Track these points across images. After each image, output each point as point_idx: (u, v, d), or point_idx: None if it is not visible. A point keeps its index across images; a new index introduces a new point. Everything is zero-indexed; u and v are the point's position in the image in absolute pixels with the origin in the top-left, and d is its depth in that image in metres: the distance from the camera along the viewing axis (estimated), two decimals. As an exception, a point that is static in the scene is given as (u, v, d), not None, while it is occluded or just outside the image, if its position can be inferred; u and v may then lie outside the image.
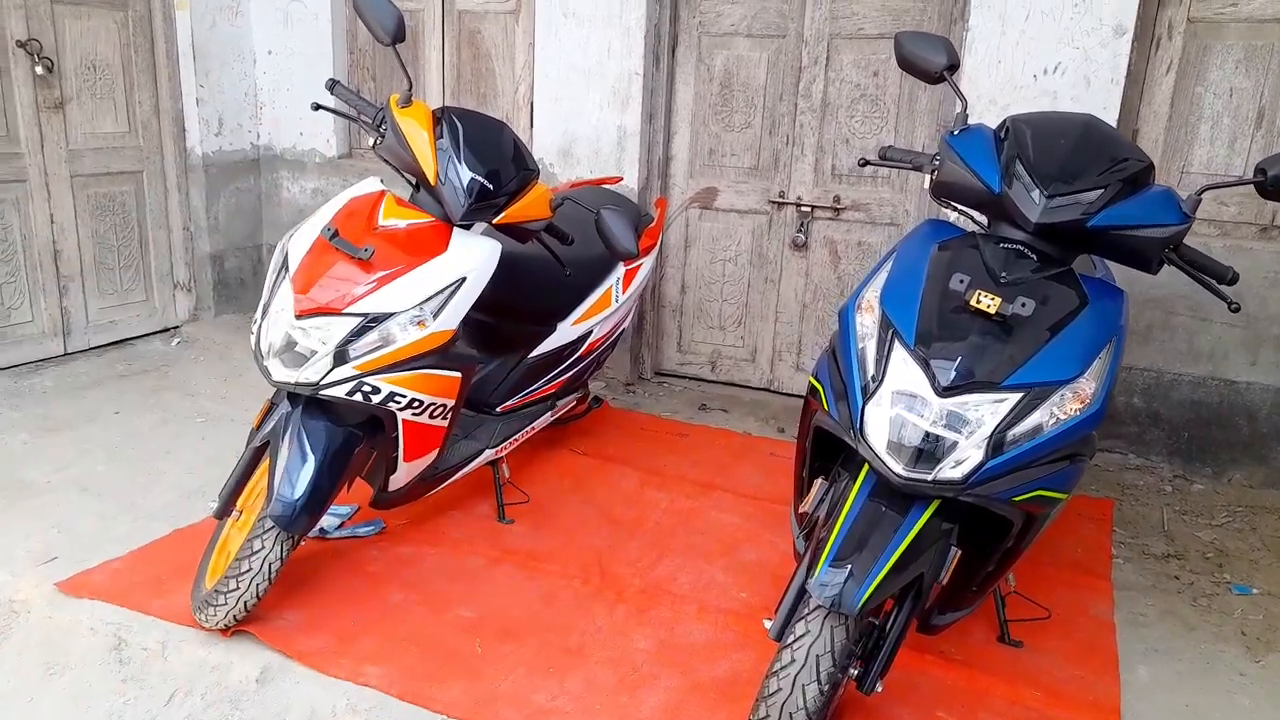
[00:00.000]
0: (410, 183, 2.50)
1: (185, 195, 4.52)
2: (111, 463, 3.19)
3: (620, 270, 3.16)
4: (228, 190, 4.65)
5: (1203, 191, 1.89)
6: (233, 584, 2.16)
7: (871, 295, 1.92)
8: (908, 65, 2.14)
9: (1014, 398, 1.71)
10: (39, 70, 3.82)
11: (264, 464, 2.29)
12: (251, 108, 4.70)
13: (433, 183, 2.34)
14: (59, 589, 2.44)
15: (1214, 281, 1.93)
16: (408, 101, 2.40)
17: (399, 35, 2.32)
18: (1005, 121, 2.02)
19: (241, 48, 4.58)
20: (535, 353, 2.95)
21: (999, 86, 3.35)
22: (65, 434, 3.39)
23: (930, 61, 2.08)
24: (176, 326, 4.59)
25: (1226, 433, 3.36)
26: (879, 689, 1.83)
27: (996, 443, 1.70)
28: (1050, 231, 1.85)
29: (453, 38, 4.38)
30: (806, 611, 1.73)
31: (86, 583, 2.46)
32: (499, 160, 2.41)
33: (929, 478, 1.70)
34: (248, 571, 2.15)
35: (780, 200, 3.95)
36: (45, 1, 3.81)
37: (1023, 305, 1.76)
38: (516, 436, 2.98)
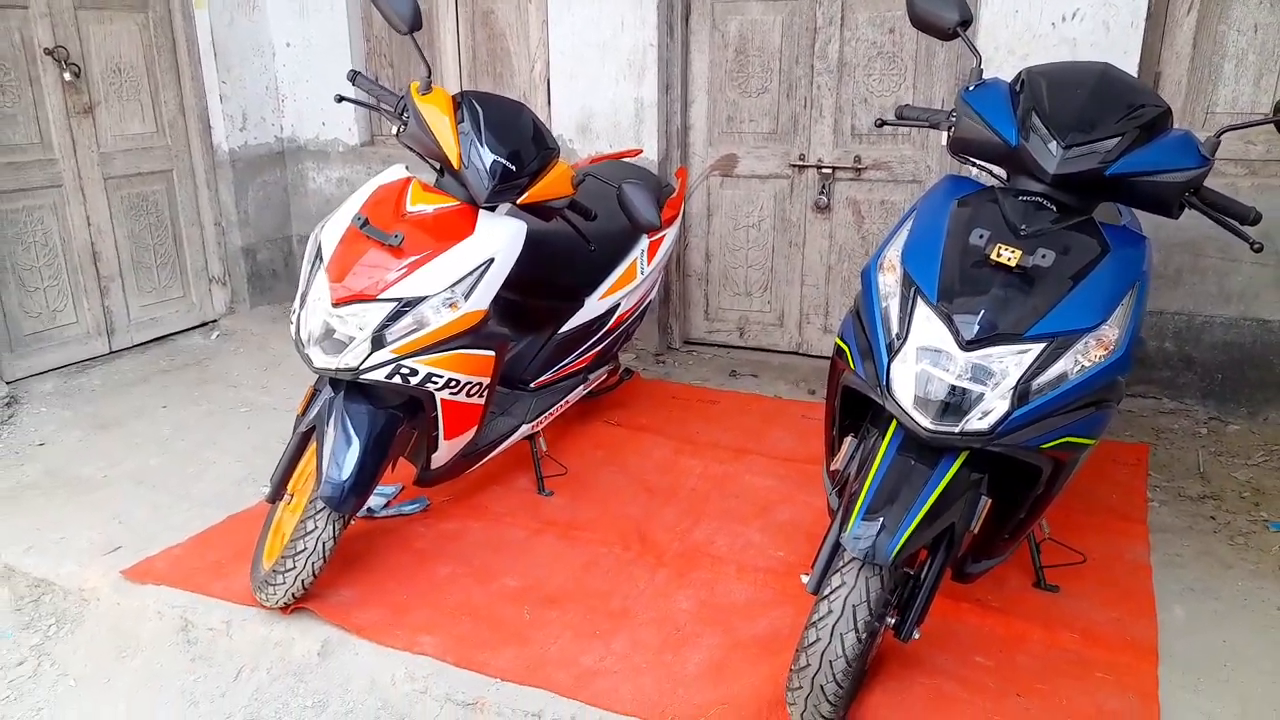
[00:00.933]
0: (434, 168, 2.56)
1: (215, 191, 4.61)
2: (163, 455, 3.31)
3: (644, 242, 3.20)
4: (255, 184, 4.74)
5: (1221, 133, 1.89)
6: (289, 564, 2.25)
7: (893, 254, 1.95)
8: (921, 23, 2.14)
9: (1037, 348, 1.74)
10: (67, 76, 3.91)
11: (311, 448, 2.37)
12: (274, 101, 4.77)
13: (456, 167, 2.39)
14: (124, 576, 2.56)
15: (1236, 223, 1.93)
16: (428, 88, 2.44)
17: (416, 24, 2.36)
18: (1020, 74, 2.02)
19: (260, 42, 4.64)
20: (565, 328, 3.01)
21: (1017, 36, 3.32)
22: (116, 430, 3.52)
23: (943, 18, 2.08)
24: (214, 320, 4.71)
25: (1261, 372, 3.35)
26: (916, 636, 1.88)
27: (1022, 393, 1.73)
28: (1068, 182, 1.87)
29: (466, 20, 4.41)
30: (842, 564, 1.78)
31: (150, 569, 2.57)
32: (520, 141, 2.45)
33: (956, 430, 1.74)
34: (303, 551, 2.24)
35: (801, 163, 3.96)
36: (70, 9, 3.90)
37: (1043, 256, 1.78)
38: (551, 411, 3.04)
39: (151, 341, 4.43)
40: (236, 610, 2.40)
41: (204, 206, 4.60)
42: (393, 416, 2.37)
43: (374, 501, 2.79)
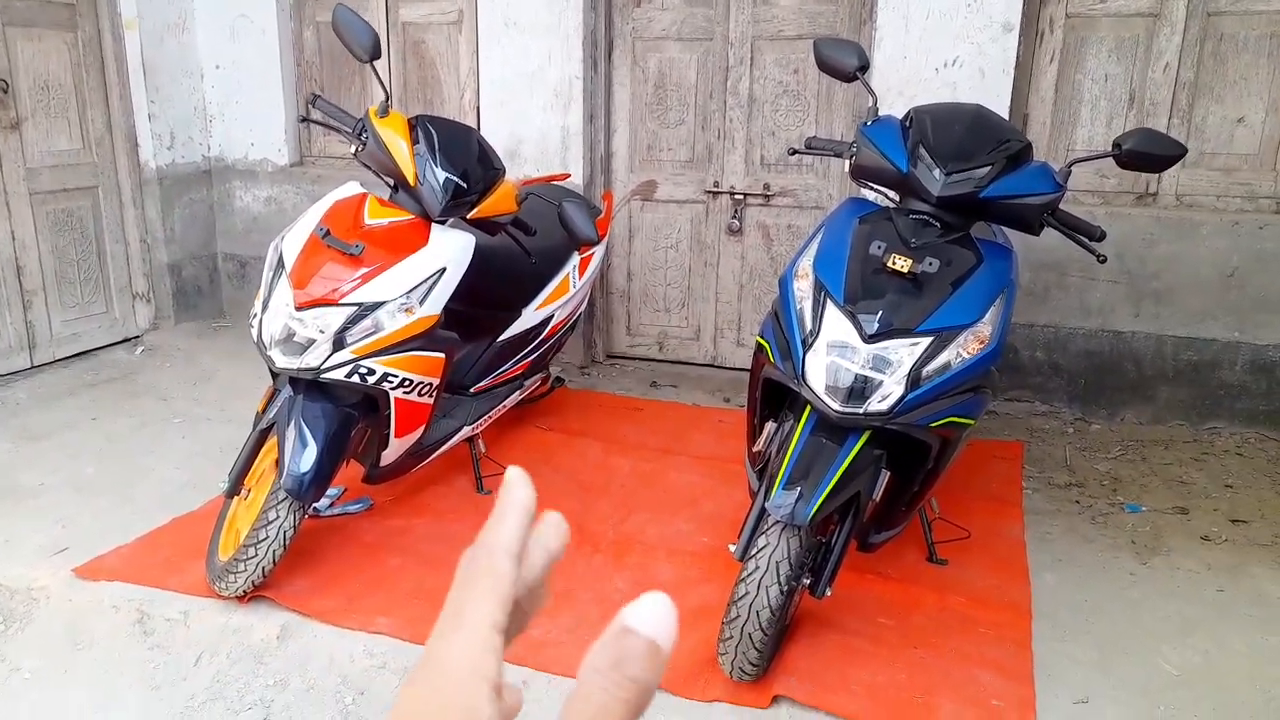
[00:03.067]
0: (389, 185, 2.75)
1: (141, 208, 4.65)
2: (100, 463, 3.36)
3: (576, 258, 3.45)
4: (182, 202, 4.79)
5: (1071, 164, 2.28)
6: (250, 552, 2.39)
7: (806, 263, 2.26)
8: (825, 67, 2.48)
9: (926, 340, 2.06)
10: (-6, 92, 3.93)
11: (269, 445, 2.52)
12: (202, 121, 4.85)
13: (412, 184, 2.60)
14: (76, 574, 2.63)
15: (1085, 239, 2.31)
16: (385, 112, 2.65)
17: (375, 53, 2.57)
18: (909, 112, 2.38)
19: (189, 63, 4.73)
20: (504, 336, 3.23)
21: (905, 79, 3.73)
22: (47, 441, 3.54)
23: (844, 64, 2.42)
24: (138, 336, 4.72)
25: (1117, 378, 3.81)
26: (828, 593, 2.17)
27: (914, 379, 2.05)
28: (949, 203, 2.21)
29: (398, 49, 4.60)
30: (766, 527, 2.05)
31: (102, 566, 2.66)
32: (469, 161, 2.68)
33: (860, 411, 2.05)
34: (264, 540, 2.38)
35: (715, 190, 4.29)
36: (-1, 25, 3.93)
37: (930, 264, 2.11)
38: (490, 414, 3.24)
39: (74, 356, 4.43)
40: (193, 601, 2.51)
41: (129, 223, 4.64)
42: (349, 414, 2.54)
43: (320, 502, 2.93)
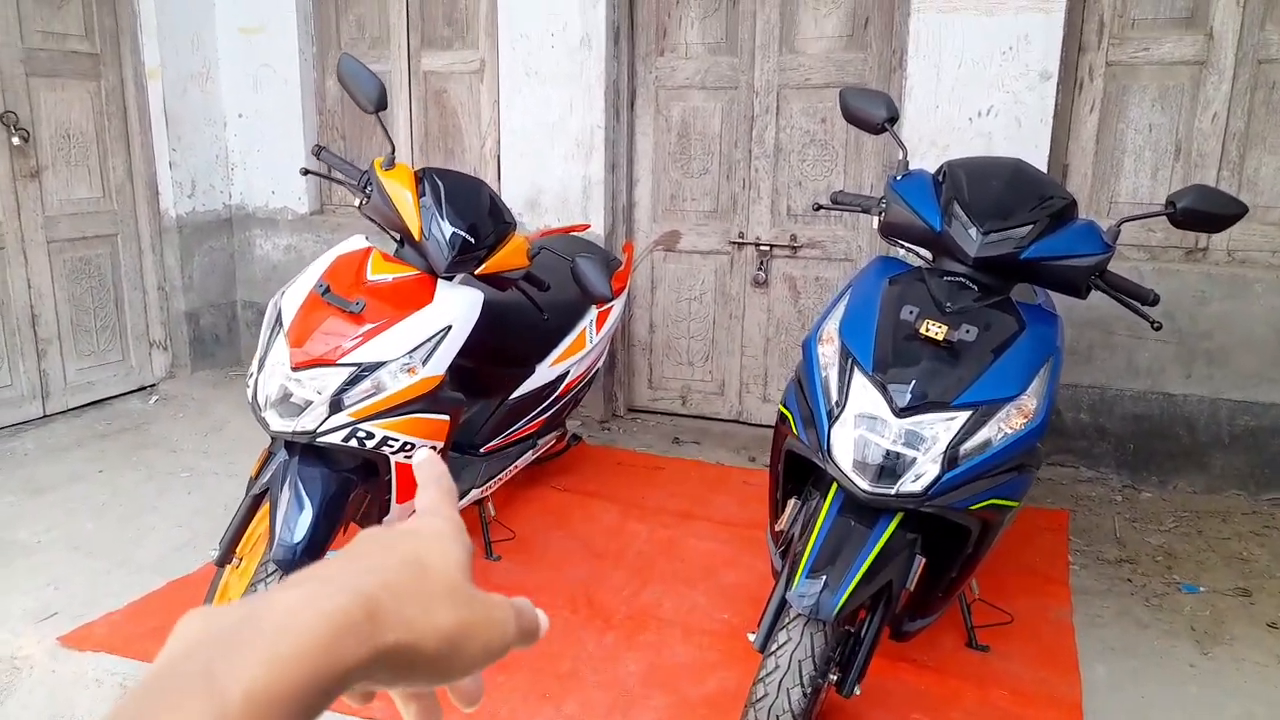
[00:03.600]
0: (394, 239, 2.65)
1: (160, 256, 4.61)
2: (100, 520, 3.25)
3: (593, 312, 3.32)
4: (201, 249, 4.75)
5: (1121, 223, 2.11)
6: (237, 628, 2.24)
7: (831, 327, 2.10)
8: (852, 118, 2.34)
9: (964, 415, 1.89)
10: (15, 141, 3.92)
11: (262, 511, 2.39)
12: (223, 169, 4.82)
13: (417, 238, 2.49)
14: (61, 643, 2.50)
15: (1137, 303, 2.13)
16: (391, 164, 2.55)
17: (381, 104, 2.48)
18: (942, 166, 2.23)
19: (212, 112, 4.71)
20: (516, 394, 3.09)
21: (938, 129, 3.59)
22: (51, 495, 3.44)
23: (872, 115, 2.28)
24: (153, 385, 4.65)
25: (1168, 443, 3.58)
26: (857, 692, 1.97)
27: (951, 457, 1.87)
28: (987, 264, 2.05)
29: (419, 97, 4.55)
30: (787, 620, 1.87)
31: (88, 636, 2.53)
32: (478, 215, 2.56)
33: (892, 491, 1.87)
34: (252, 615, 2.23)
35: (740, 240, 4.16)
36: (21, 75, 3.93)
37: (967, 331, 1.94)
38: (500, 475, 3.10)
39: (88, 405, 4.36)
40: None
41: (148, 270, 4.59)
42: (346, 480, 2.40)
43: (321, 566, 2.79)
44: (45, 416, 4.17)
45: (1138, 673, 2.48)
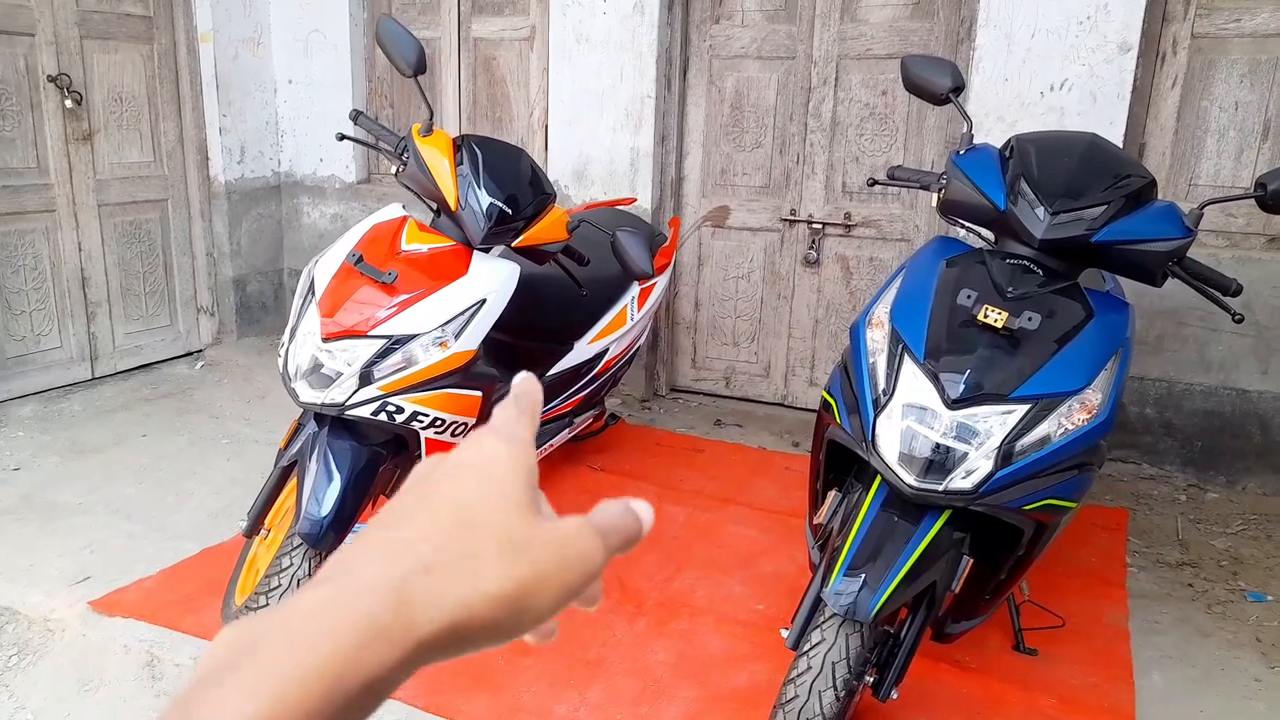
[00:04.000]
0: (431, 208, 2.58)
1: (209, 222, 4.63)
2: (140, 484, 3.27)
3: (635, 289, 3.23)
4: (250, 216, 4.76)
5: (1204, 206, 1.94)
6: (263, 600, 2.21)
7: (881, 311, 1.97)
8: (914, 88, 2.20)
9: (1022, 409, 1.76)
10: (68, 104, 3.94)
11: (291, 483, 2.35)
12: (273, 136, 4.81)
13: (453, 208, 2.42)
14: (92, 608, 2.51)
15: (1218, 293, 1.97)
16: (429, 130, 2.47)
17: (420, 67, 2.40)
18: (1010, 140, 2.07)
19: (263, 78, 4.69)
20: (553, 371, 3.01)
21: (1006, 103, 3.40)
22: (94, 457, 3.48)
23: (936, 84, 2.14)
24: (200, 350, 4.69)
25: (1239, 441, 3.38)
26: (894, 696, 1.87)
27: (1005, 453, 1.74)
28: (1055, 247, 1.90)
29: (469, 65, 4.48)
30: (822, 620, 1.77)
31: (119, 601, 2.53)
32: (517, 185, 2.48)
33: (940, 488, 1.75)
34: (277, 588, 2.21)
35: (792, 218, 4.01)
36: (75, 37, 3.94)
37: (1029, 319, 1.80)
38: (536, 453, 3.03)
39: (135, 369, 4.41)
40: (205, 646, 2.34)
41: (197, 236, 4.61)
42: (376, 454, 2.35)
43: (351, 540, 2.76)
44: (94, 379, 4.22)
45: (1197, 684, 2.33)
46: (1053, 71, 3.32)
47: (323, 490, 2.24)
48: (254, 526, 2.38)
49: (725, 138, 4.09)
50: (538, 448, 2.98)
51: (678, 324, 4.32)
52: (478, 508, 0.39)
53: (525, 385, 0.48)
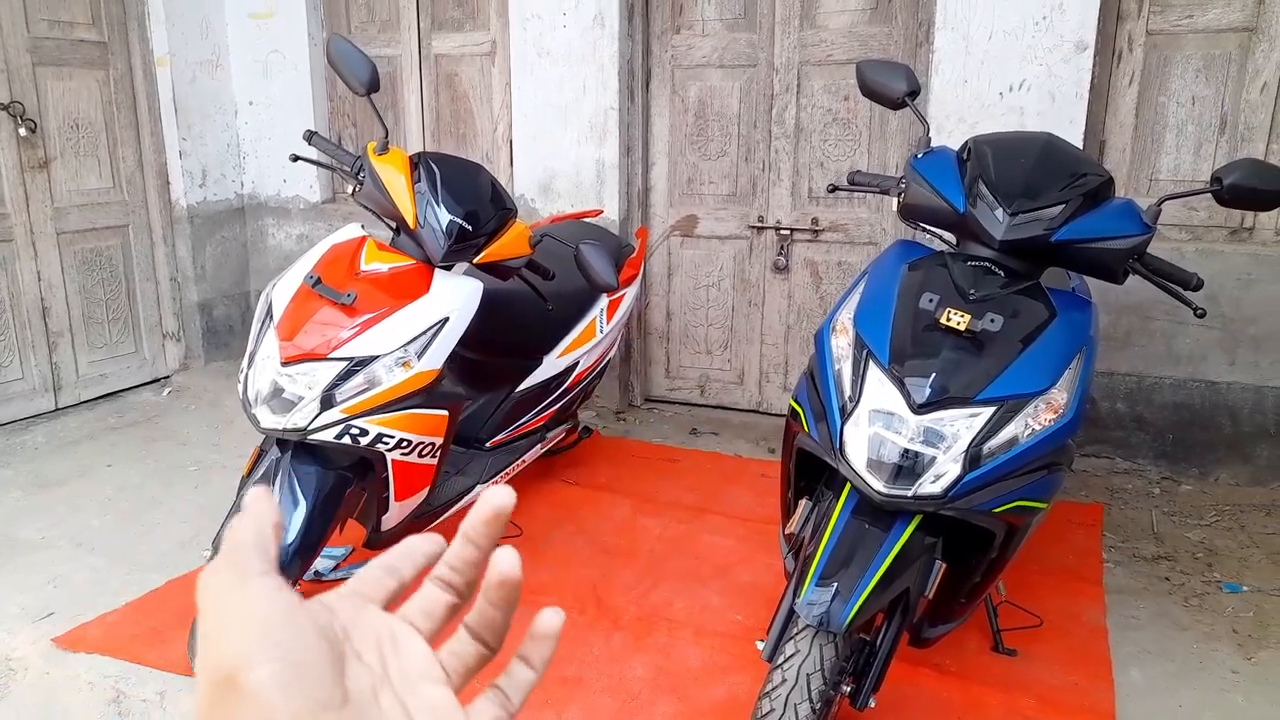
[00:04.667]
0: (390, 227, 2.55)
1: (171, 246, 4.56)
2: (105, 516, 3.20)
3: (604, 301, 3.21)
4: (213, 239, 4.69)
5: (1162, 202, 1.95)
6: (229, 632, 2.16)
7: (845, 317, 1.96)
8: (870, 93, 2.20)
9: (988, 411, 1.75)
10: (22, 132, 3.87)
11: (256, 511, 2.30)
12: (234, 158, 4.76)
13: (412, 226, 2.39)
14: (55, 644, 2.44)
15: (1179, 288, 1.97)
16: (385, 149, 2.45)
17: (374, 86, 2.37)
18: (967, 143, 2.08)
19: (222, 100, 4.64)
20: (522, 386, 2.99)
21: (967, 105, 3.42)
22: (57, 490, 3.40)
23: (891, 89, 2.14)
24: (167, 376, 4.62)
25: (1210, 433, 3.40)
26: (872, 705, 1.85)
27: (973, 456, 1.74)
28: (1015, 248, 1.90)
29: (430, 81, 4.45)
30: (795, 631, 1.75)
31: (83, 637, 2.47)
32: (476, 201, 2.45)
33: (909, 493, 1.74)
34: (244, 618, 2.16)
35: (759, 225, 4.01)
36: (28, 65, 3.88)
37: (991, 321, 1.80)
38: (508, 470, 3.00)
39: (100, 398, 4.33)
40: (172, 680, 2.30)
41: (160, 261, 4.55)
42: (341, 477, 2.32)
43: (321, 564, 2.72)
44: (57, 409, 4.14)
45: (1176, 678, 2.33)
46: (1011, 72, 3.34)
47: (288, 516, 2.20)
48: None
49: (691, 147, 4.08)
50: (511, 464, 2.96)
51: (650, 334, 4.30)
52: None
53: (254, 507, 0.40)
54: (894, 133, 3.73)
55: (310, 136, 2.59)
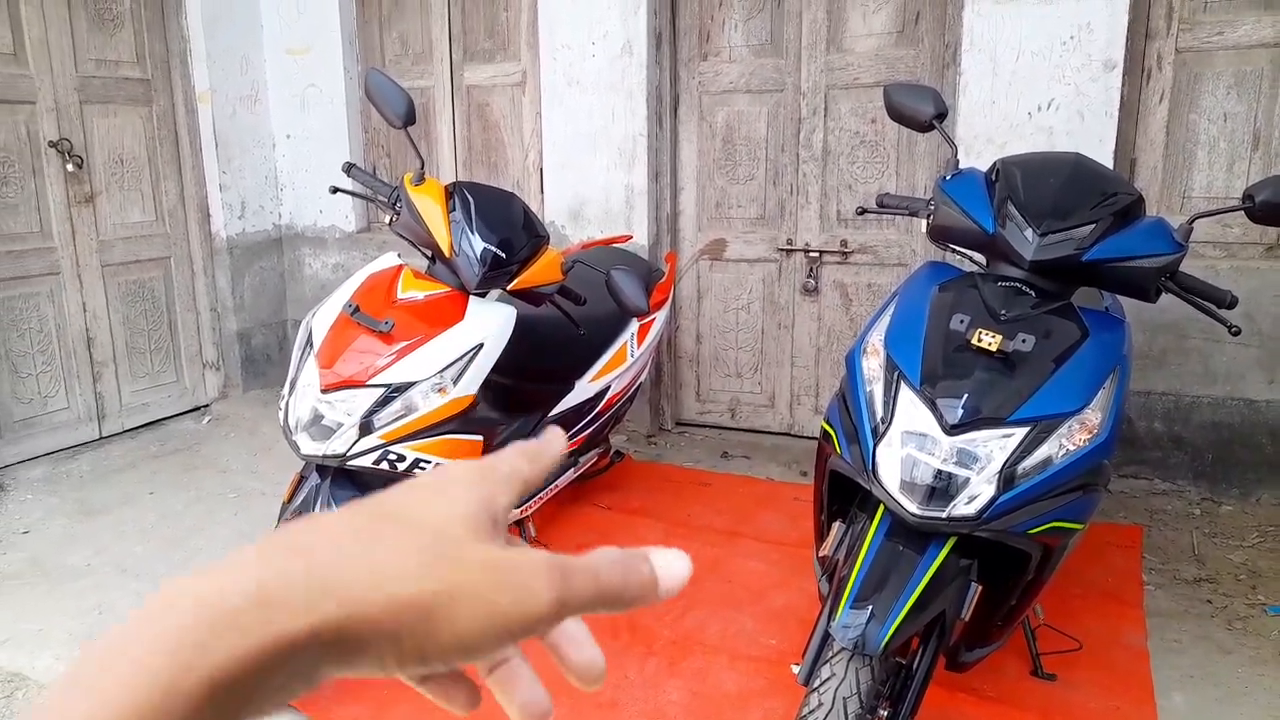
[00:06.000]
0: (426, 256, 2.60)
1: (211, 277, 4.67)
2: (148, 543, 3.27)
3: (634, 325, 3.23)
4: (252, 270, 4.80)
5: (1194, 220, 1.95)
6: (270, 656, 2.20)
7: (876, 339, 1.97)
8: (898, 116, 2.22)
9: (1021, 432, 1.75)
10: (69, 168, 4.00)
11: (296, 536, 2.35)
12: (273, 190, 4.87)
13: (448, 255, 2.44)
14: (102, 669, 2.49)
15: (1213, 306, 1.96)
16: (420, 179, 2.50)
17: (410, 119, 2.43)
18: (995, 164, 2.08)
19: (261, 134, 4.76)
20: (555, 411, 3.01)
21: (995, 126, 3.42)
22: (102, 518, 3.48)
23: (919, 112, 2.15)
24: (207, 405, 4.71)
25: (1250, 452, 3.35)
26: (910, 729, 1.84)
27: (1007, 477, 1.73)
28: (1045, 268, 1.91)
29: (462, 112, 4.54)
30: (831, 655, 1.75)
31: (129, 662, 2.51)
32: (510, 229, 2.50)
33: (943, 515, 1.74)
34: (284, 642, 2.19)
35: (788, 247, 4.03)
36: (75, 103, 4.01)
37: (1023, 341, 1.80)
38: (541, 495, 3.02)
39: (142, 427, 4.42)
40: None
41: (200, 292, 4.65)
42: (380, 503, 2.35)
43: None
44: (101, 438, 4.24)
45: (1221, 704, 2.29)
46: (1039, 92, 3.35)
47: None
48: (260, 581, 2.37)
49: (719, 171, 4.12)
50: (544, 489, 2.98)
51: (680, 358, 4.32)
52: (410, 508, 0.35)
53: (547, 438, 0.43)
54: (922, 154, 3.74)
55: (349, 168, 2.65)
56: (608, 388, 3.16)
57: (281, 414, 2.37)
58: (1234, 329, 1.96)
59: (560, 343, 2.93)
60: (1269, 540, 3.12)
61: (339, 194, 2.77)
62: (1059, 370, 1.81)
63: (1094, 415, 1.79)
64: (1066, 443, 1.77)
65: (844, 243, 3.93)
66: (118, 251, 4.26)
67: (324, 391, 2.26)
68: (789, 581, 2.90)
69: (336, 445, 2.24)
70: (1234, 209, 1.92)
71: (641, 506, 3.46)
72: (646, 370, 3.54)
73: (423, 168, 2.52)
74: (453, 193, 2.51)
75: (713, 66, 4.02)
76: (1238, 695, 2.32)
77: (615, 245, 3.66)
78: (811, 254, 3.98)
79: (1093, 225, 1.90)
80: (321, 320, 2.37)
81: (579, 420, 3.12)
